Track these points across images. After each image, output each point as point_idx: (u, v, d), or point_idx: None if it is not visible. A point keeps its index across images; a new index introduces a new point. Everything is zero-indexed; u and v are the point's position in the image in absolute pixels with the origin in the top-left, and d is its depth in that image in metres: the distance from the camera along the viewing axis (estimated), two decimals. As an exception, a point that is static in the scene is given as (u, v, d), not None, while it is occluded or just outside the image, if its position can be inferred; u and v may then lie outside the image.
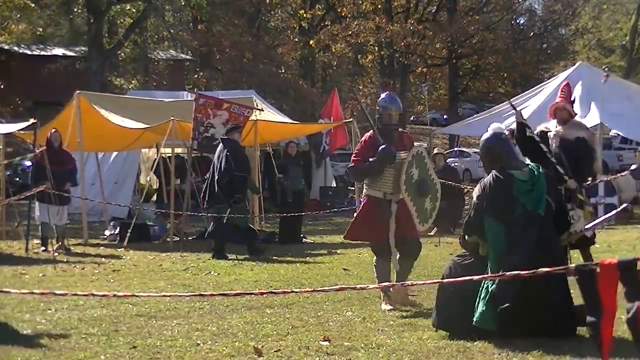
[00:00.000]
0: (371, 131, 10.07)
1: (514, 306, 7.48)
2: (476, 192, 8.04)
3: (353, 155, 10.14)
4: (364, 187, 10.07)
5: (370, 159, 9.74)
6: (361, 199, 10.25)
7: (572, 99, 11.07)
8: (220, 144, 16.05)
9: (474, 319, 7.65)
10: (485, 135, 8.36)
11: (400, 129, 10.22)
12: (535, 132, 10.25)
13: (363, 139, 10.13)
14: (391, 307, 9.47)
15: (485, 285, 7.66)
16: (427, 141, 39.77)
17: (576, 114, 11.07)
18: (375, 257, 10.04)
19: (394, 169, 9.74)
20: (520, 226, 7.72)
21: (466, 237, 8.15)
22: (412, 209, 9.74)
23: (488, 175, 8.07)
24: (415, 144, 10.13)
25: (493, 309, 7.55)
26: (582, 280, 5.62)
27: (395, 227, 9.72)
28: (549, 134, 10.61)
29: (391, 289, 9.58)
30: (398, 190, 9.70)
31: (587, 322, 5.44)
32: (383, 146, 9.68)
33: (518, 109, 11.11)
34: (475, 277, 6.57)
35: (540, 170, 8.03)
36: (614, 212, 9.58)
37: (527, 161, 8.19)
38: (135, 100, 23.24)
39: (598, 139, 11.22)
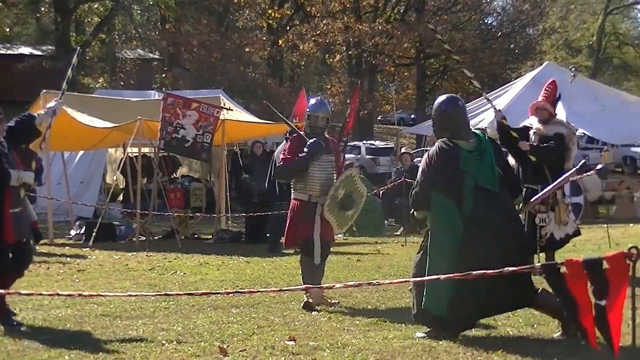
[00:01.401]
0: (295, 134, 10.15)
1: (466, 295, 7.47)
2: (422, 164, 7.99)
3: (282, 156, 10.11)
4: (292, 190, 10.09)
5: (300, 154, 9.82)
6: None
7: (556, 96, 11.15)
8: (284, 142, 16.34)
9: (423, 302, 7.62)
10: (441, 98, 8.33)
11: (326, 135, 10.25)
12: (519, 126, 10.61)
13: (289, 142, 10.15)
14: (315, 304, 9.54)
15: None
16: (394, 140, 39.91)
17: (557, 113, 11.16)
18: (301, 256, 10.09)
19: (320, 172, 9.86)
20: (477, 202, 7.60)
21: (415, 213, 8.13)
22: (334, 222, 9.95)
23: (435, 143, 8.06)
24: (348, 170, 10.41)
25: (441, 295, 7.54)
26: (551, 280, 5.66)
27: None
28: (530, 131, 10.76)
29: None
30: (324, 194, 9.82)
31: (566, 316, 5.54)
32: (312, 140, 9.82)
33: (494, 107, 11.20)
34: (465, 275, 6.38)
35: (487, 137, 8.02)
36: (561, 178, 9.47)
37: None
38: (102, 99, 23.13)
39: (576, 140, 11.25)
